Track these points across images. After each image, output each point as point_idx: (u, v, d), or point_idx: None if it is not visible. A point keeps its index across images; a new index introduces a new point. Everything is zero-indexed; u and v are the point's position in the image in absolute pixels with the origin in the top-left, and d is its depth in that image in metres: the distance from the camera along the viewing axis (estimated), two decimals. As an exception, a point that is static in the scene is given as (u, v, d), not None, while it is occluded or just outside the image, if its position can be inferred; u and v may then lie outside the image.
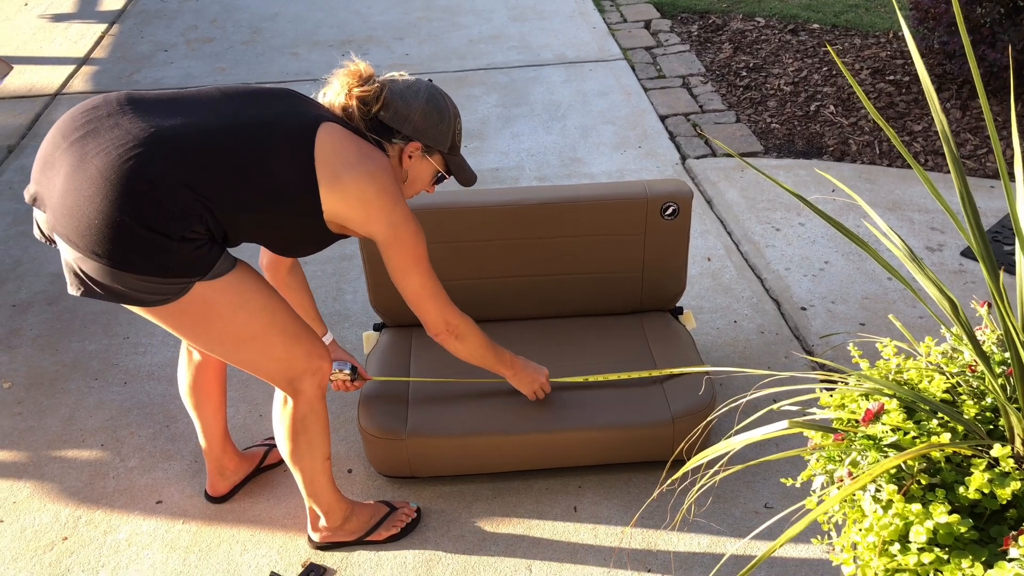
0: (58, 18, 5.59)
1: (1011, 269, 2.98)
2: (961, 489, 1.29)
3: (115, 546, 2.15)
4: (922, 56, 4.11)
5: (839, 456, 1.44)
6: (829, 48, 1.93)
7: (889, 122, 4.02)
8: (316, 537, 2.10)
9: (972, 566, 1.22)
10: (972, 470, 1.30)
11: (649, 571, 2.04)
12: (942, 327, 1.66)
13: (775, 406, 1.54)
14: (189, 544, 2.15)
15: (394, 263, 1.78)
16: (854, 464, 1.40)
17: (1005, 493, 1.25)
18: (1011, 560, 1.21)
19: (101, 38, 5.28)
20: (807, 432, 1.46)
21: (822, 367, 2.61)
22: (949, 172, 3.64)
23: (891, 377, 1.57)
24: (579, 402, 2.21)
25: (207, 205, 1.57)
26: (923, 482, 1.33)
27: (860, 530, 1.35)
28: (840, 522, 1.48)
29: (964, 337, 1.46)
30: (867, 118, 4.06)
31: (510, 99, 4.38)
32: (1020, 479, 1.27)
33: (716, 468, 2.18)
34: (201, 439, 2.15)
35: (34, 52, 5.11)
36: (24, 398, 2.63)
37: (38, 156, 1.62)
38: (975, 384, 1.51)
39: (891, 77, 4.39)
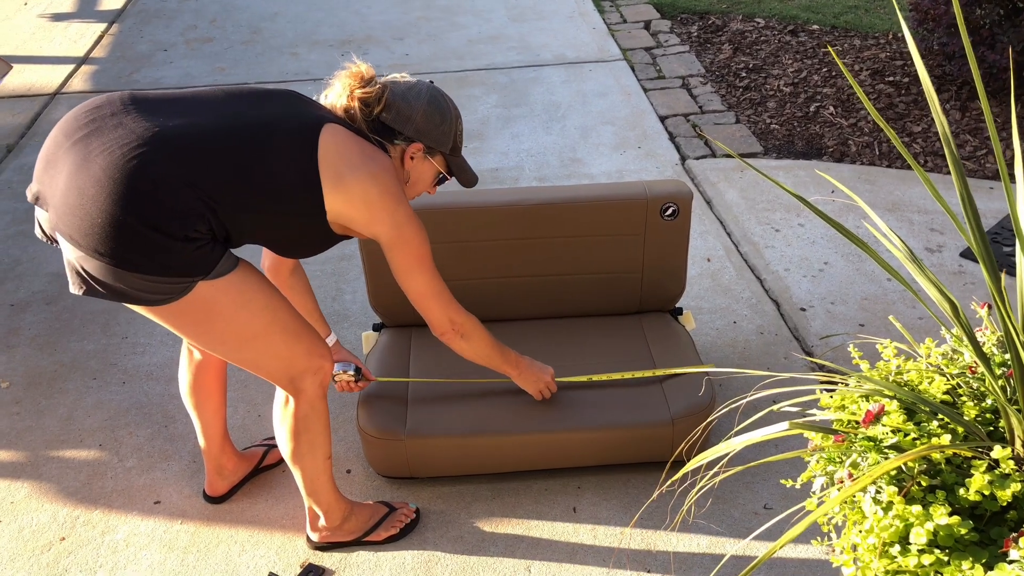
0: (57, 17, 5.58)
1: (1011, 271, 2.98)
2: (961, 491, 1.29)
3: (113, 546, 2.15)
4: (921, 57, 4.12)
5: (839, 457, 1.44)
6: (830, 49, 1.93)
7: (888, 123, 4.02)
8: (315, 537, 2.10)
9: (972, 568, 1.22)
10: (972, 472, 1.30)
11: (648, 572, 2.04)
12: (942, 328, 1.66)
13: (775, 407, 1.53)
14: (187, 544, 2.15)
15: (398, 263, 1.78)
16: (854, 465, 1.40)
17: (1005, 495, 1.25)
18: (1011, 562, 1.21)
19: (101, 37, 5.27)
20: (807, 433, 1.46)
21: (822, 368, 2.61)
22: (948, 173, 3.64)
23: (891, 378, 1.57)
24: (578, 402, 2.21)
25: (210, 205, 1.57)
26: (923, 484, 1.33)
27: (860, 531, 1.35)
28: (840, 523, 1.48)
29: (964, 338, 1.46)
30: (866, 119, 4.06)
31: (510, 99, 4.38)
32: (1020, 481, 1.27)
33: (716, 469, 2.18)
34: (200, 439, 2.15)
35: (33, 51, 5.10)
36: (22, 398, 2.63)
37: (41, 155, 1.62)
38: (975, 385, 1.51)
39: (890, 78, 4.39)
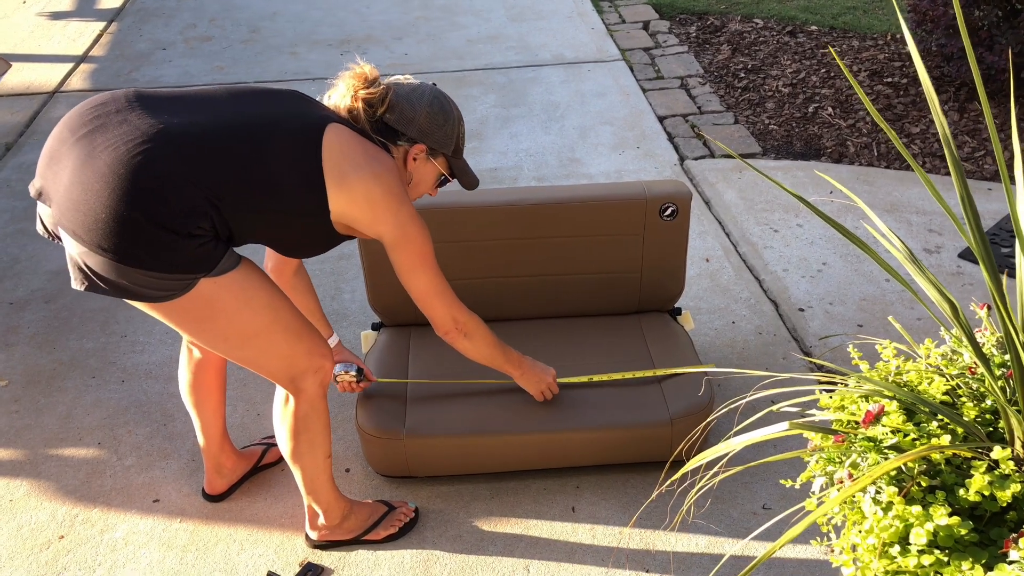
0: (56, 16, 5.58)
1: (1010, 272, 2.98)
2: (961, 491, 1.29)
3: (112, 545, 2.15)
4: (920, 58, 4.13)
5: (839, 458, 1.44)
6: (832, 51, 1.94)
7: (887, 124, 4.03)
8: (314, 535, 2.10)
9: (972, 568, 1.22)
10: (972, 472, 1.30)
11: (647, 571, 2.04)
12: (941, 329, 1.66)
13: (775, 407, 1.54)
14: (186, 543, 2.14)
15: (401, 263, 1.79)
16: (854, 466, 1.40)
17: (1005, 495, 1.25)
18: (1011, 562, 1.21)
19: (100, 36, 5.27)
20: (807, 433, 1.46)
21: (820, 368, 2.61)
22: (947, 174, 3.65)
23: (891, 379, 1.57)
24: (577, 402, 2.21)
25: (213, 203, 1.58)
26: (923, 484, 1.33)
27: (860, 532, 1.35)
28: (839, 524, 1.48)
29: (964, 339, 1.46)
30: (865, 120, 4.07)
31: (508, 99, 4.38)
32: (1020, 481, 1.27)
33: (716, 469, 2.18)
34: (200, 437, 2.15)
35: (32, 50, 5.10)
36: (21, 396, 2.62)
37: (44, 151, 1.62)
38: (975, 386, 1.51)
39: (889, 79, 4.39)
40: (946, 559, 1.25)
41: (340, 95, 1.80)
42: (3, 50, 5.08)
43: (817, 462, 1.47)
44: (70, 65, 4.88)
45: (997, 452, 1.30)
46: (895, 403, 1.44)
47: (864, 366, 1.62)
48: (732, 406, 2.42)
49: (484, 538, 2.13)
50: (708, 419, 1.99)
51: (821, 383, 2.44)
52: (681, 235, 2.41)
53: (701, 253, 3.17)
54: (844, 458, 1.42)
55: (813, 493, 1.49)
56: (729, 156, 3.81)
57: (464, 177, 1.94)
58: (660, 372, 2.27)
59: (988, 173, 3.65)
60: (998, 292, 1.34)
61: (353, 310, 2.96)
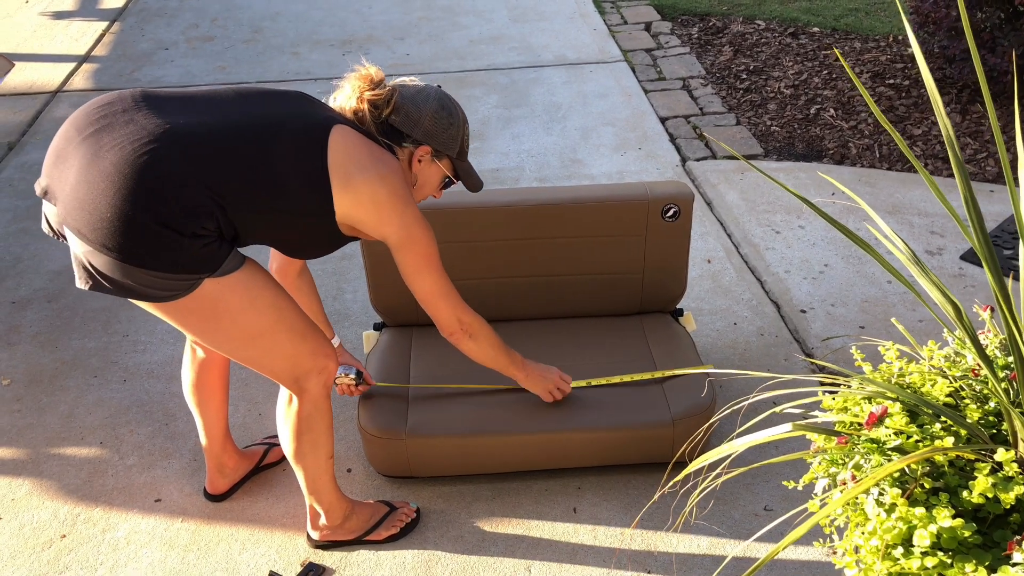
0: (59, 15, 5.58)
1: (1015, 275, 2.98)
2: (965, 493, 1.29)
3: (114, 544, 2.15)
4: (924, 60, 4.13)
5: (842, 459, 1.44)
6: (836, 52, 1.94)
7: (891, 125, 4.02)
8: (315, 535, 2.10)
9: (976, 570, 1.22)
10: (976, 474, 1.30)
11: (649, 572, 2.04)
12: (943, 331, 1.66)
13: (777, 409, 1.54)
14: (188, 542, 2.14)
15: (406, 264, 1.79)
16: (857, 467, 1.40)
17: (1009, 497, 1.25)
18: (1015, 564, 1.21)
19: (102, 36, 5.27)
20: (810, 435, 1.46)
21: (823, 370, 2.61)
22: (949, 176, 3.65)
23: (894, 380, 1.57)
24: (579, 403, 2.21)
25: (219, 203, 1.58)
26: (927, 486, 1.33)
27: (863, 533, 1.35)
28: (842, 525, 1.48)
29: (967, 341, 1.46)
30: (867, 121, 4.07)
31: (510, 100, 4.38)
32: None
33: (718, 471, 2.18)
34: (202, 436, 2.15)
35: (35, 49, 5.10)
36: (23, 395, 2.62)
37: (50, 149, 1.62)
38: (978, 388, 1.51)
39: (891, 81, 4.39)
40: (949, 561, 1.25)
41: (346, 96, 1.81)
42: (6, 49, 5.09)
43: (820, 464, 1.47)
44: (72, 65, 4.88)
45: (1001, 454, 1.30)
46: (898, 405, 1.44)
47: (867, 367, 1.62)
48: (734, 407, 2.42)
49: (486, 539, 2.13)
50: (710, 420, 1.99)
51: (824, 384, 2.44)
52: (683, 236, 2.41)
53: (703, 254, 3.17)
54: (847, 460, 1.42)
55: (816, 495, 1.49)
56: (731, 157, 3.81)
57: (468, 179, 1.94)
58: (659, 374, 2.27)
59: (990, 175, 3.64)
60: (1002, 294, 1.34)
61: (355, 310, 2.96)
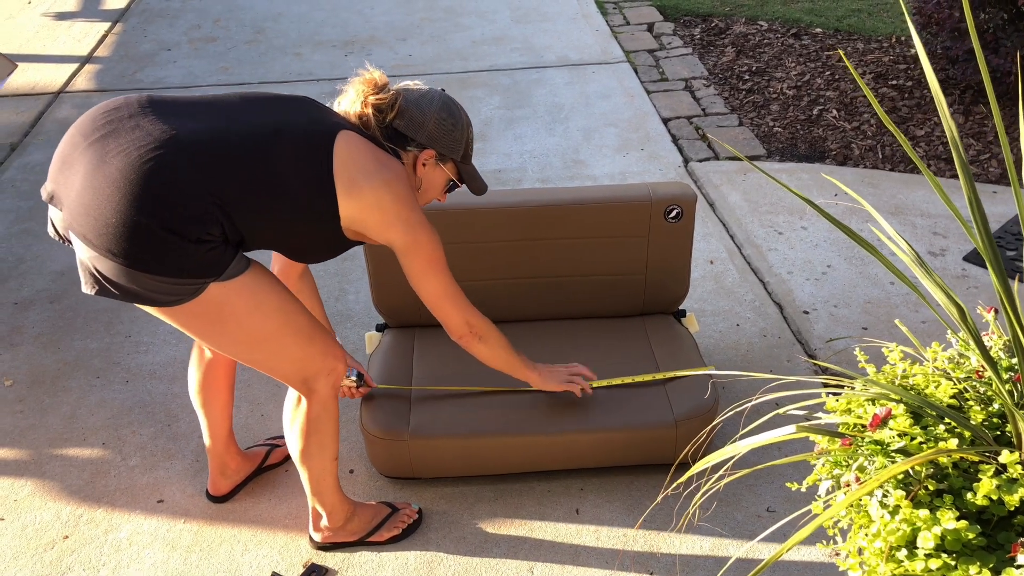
0: (61, 16, 5.59)
1: (1022, 276, 2.97)
2: (969, 495, 1.29)
3: (116, 545, 2.15)
4: (928, 60, 4.13)
5: (846, 461, 1.44)
6: (841, 53, 1.93)
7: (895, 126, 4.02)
8: (318, 537, 2.10)
9: (980, 572, 1.22)
10: (980, 476, 1.30)
11: (651, 574, 2.03)
12: (947, 332, 1.66)
13: (781, 410, 1.53)
14: (190, 543, 2.14)
15: (413, 268, 1.79)
16: (861, 469, 1.40)
17: (1013, 499, 1.25)
18: (1019, 567, 1.21)
19: (104, 37, 5.28)
20: (814, 437, 1.46)
21: (826, 371, 2.61)
22: (951, 177, 3.64)
23: (897, 382, 1.57)
24: (582, 404, 2.21)
25: (224, 209, 1.58)
26: (931, 488, 1.33)
27: (867, 535, 1.35)
28: (846, 527, 1.48)
29: (971, 342, 1.46)
30: (869, 122, 4.06)
31: (513, 101, 4.38)
32: (1028, 485, 1.27)
33: (722, 472, 2.18)
34: (206, 437, 2.15)
35: (37, 50, 5.11)
36: (26, 396, 2.63)
37: (56, 154, 1.63)
38: (982, 390, 1.51)
39: (894, 82, 4.39)
40: (953, 563, 1.24)
41: (350, 101, 1.81)
42: (8, 51, 5.09)
43: (824, 465, 1.47)
44: (75, 65, 4.89)
45: (1005, 456, 1.29)
46: (902, 406, 1.44)
47: (871, 369, 1.62)
48: (737, 409, 2.42)
49: (488, 540, 2.13)
50: (713, 422, 1.98)
51: (827, 386, 2.44)
52: (686, 237, 2.41)
53: (705, 255, 3.17)
54: (851, 461, 1.42)
55: (819, 496, 1.49)
56: (733, 158, 3.81)
57: (473, 182, 1.94)
58: (661, 376, 2.27)
59: (993, 176, 3.64)
60: (1006, 295, 1.33)
61: (357, 311, 2.96)
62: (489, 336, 1.93)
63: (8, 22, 5.52)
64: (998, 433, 1.44)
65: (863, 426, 1.46)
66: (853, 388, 1.52)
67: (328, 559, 2.09)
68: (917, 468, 1.34)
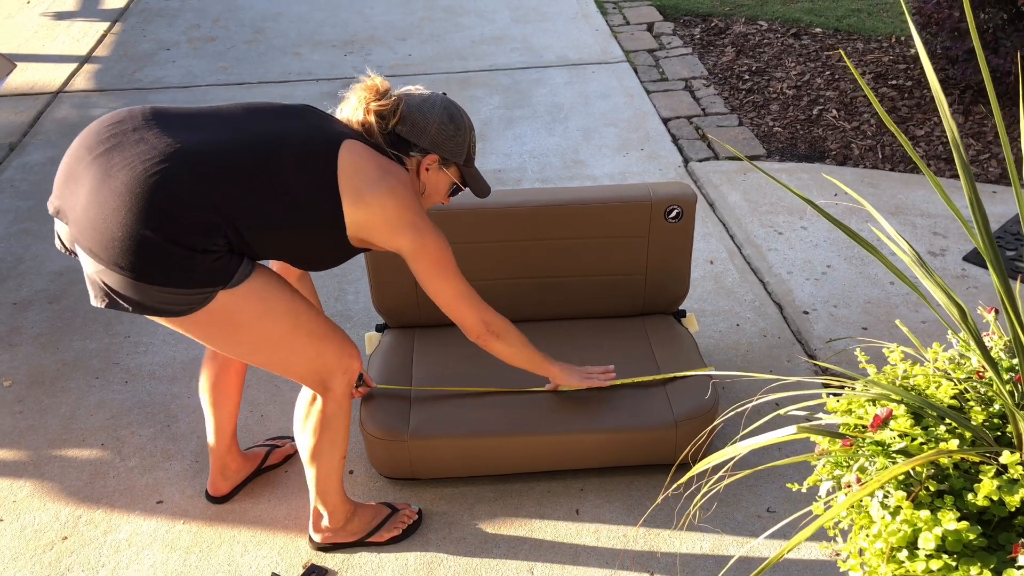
0: (60, 16, 5.58)
1: (1016, 275, 2.97)
2: (970, 496, 1.29)
3: (115, 546, 2.15)
4: (928, 60, 4.13)
5: (846, 462, 1.43)
6: (841, 53, 1.93)
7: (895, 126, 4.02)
8: (317, 537, 2.09)
9: (981, 573, 1.21)
10: (981, 477, 1.29)
11: (652, 574, 2.03)
12: (948, 332, 1.66)
13: (781, 411, 1.53)
14: (190, 544, 2.14)
15: (423, 272, 1.80)
16: (862, 470, 1.39)
17: (1014, 500, 1.25)
18: (1020, 567, 1.20)
19: (103, 36, 5.27)
20: (814, 437, 1.46)
21: (826, 371, 2.61)
22: (951, 176, 3.64)
23: (898, 383, 1.56)
24: (582, 404, 2.20)
25: (230, 220, 1.59)
26: (931, 488, 1.33)
27: (868, 536, 1.35)
28: (846, 528, 1.47)
29: (972, 343, 1.46)
30: (869, 122, 4.06)
31: (512, 101, 4.38)
32: (1029, 486, 1.27)
33: (722, 472, 2.18)
34: (210, 436, 2.15)
35: (36, 50, 5.10)
36: (25, 396, 2.62)
37: (61, 168, 1.63)
38: (983, 390, 1.51)
39: (893, 82, 4.39)
40: (954, 564, 1.24)
41: (352, 108, 1.81)
42: (7, 50, 5.09)
43: (824, 466, 1.47)
44: (74, 65, 4.88)
45: (1006, 457, 1.29)
46: (903, 407, 1.44)
47: (871, 369, 1.62)
48: (737, 409, 2.42)
49: (488, 540, 2.13)
50: (714, 422, 1.98)
51: (828, 387, 2.44)
52: (685, 237, 2.41)
53: (705, 255, 3.17)
54: (852, 462, 1.42)
55: (820, 497, 1.49)
56: (733, 158, 3.81)
57: (476, 185, 1.95)
58: (661, 376, 2.27)
59: (993, 176, 3.64)
60: (1007, 295, 1.33)
61: (357, 311, 2.95)
62: (507, 333, 1.93)
63: (7, 22, 5.51)
64: (999, 434, 1.44)
65: (864, 427, 1.46)
66: (854, 389, 1.52)
67: (328, 560, 2.08)
68: (918, 469, 1.34)
